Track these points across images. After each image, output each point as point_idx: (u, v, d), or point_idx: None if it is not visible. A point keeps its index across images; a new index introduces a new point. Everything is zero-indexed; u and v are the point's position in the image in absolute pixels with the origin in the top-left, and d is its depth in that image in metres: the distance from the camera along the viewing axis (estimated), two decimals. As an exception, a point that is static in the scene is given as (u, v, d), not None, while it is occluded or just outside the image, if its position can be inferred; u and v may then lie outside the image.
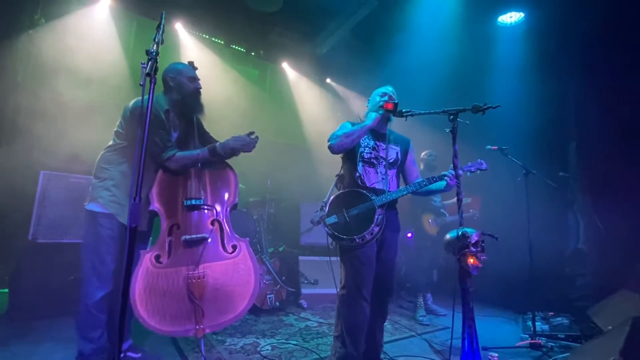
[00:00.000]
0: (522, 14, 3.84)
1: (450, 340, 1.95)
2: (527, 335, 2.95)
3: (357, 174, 2.11)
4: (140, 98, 1.96)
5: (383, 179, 2.14)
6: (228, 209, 2.18)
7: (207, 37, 5.01)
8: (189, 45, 4.78)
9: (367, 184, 2.11)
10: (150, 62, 1.13)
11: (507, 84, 4.10)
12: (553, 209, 3.86)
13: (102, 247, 1.93)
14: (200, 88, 2.20)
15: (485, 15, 3.94)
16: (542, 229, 3.28)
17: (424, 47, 4.38)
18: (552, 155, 3.99)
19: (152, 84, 1.13)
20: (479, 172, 2.22)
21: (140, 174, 1.11)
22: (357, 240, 1.95)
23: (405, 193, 2.12)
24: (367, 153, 2.15)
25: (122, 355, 2.00)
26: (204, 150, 2.04)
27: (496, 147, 2.99)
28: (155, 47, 1.18)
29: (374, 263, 2.02)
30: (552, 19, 3.59)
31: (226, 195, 2.19)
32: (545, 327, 3.13)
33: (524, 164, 3.04)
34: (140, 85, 1.10)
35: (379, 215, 2.01)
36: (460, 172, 1.78)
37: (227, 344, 2.59)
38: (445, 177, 2.06)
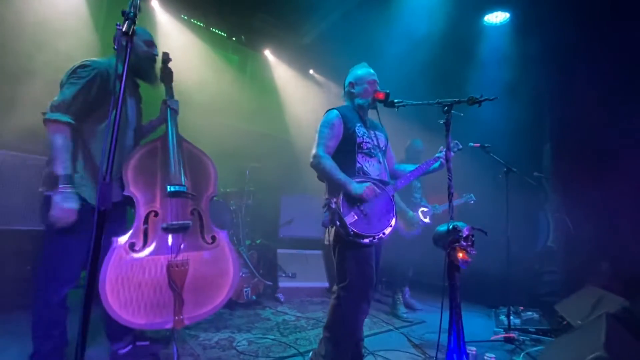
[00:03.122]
0: (507, 15, 3.90)
1: (436, 335, 1.92)
2: (501, 329, 3.02)
3: (358, 166, 1.97)
4: (88, 59, 1.80)
5: (385, 169, 2.06)
6: (207, 199, 2.09)
7: (185, 18, 4.76)
8: (166, 26, 4.51)
9: (372, 176, 1.98)
10: (127, 22, 0.98)
11: (488, 83, 4.16)
12: (528, 207, 3.98)
13: (69, 233, 1.71)
14: (157, 55, 2.07)
15: (471, 14, 3.97)
16: (516, 226, 3.37)
17: (409, 42, 4.36)
18: (527, 155, 4.11)
19: (129, 48, 0.98)
20: (457, 151, 2.19)
21: (112, 151, 0.98)
22: (381, 235, 1.84)
23: (412, 179, 2.07)
24: (365, 143, 2.01)
25: (131, 347, 2.04)
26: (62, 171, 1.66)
27: (478, 145, 3.01)
28: (133, 10, 1.03)
29: (374, 261, 1.93)
30: (535, 21, 3.66)
31: (206, 185, 2.10)
32: (517, 321, 3.23)
33: (505, 162, 3.09)
34: (114, 49, 0.96)
35: (395, 205, 1.95)
36: (451, 154, 1.73)
37: (200, 339, 2.47)
38: (440, 158, 2.07)
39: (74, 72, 1.75)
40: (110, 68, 1.83)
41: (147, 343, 2.11)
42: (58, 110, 1.66)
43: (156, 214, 1.86)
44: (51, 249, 1.75)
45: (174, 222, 1.84)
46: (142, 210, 1.84)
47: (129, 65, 1.85)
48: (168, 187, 1.87)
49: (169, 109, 2.07)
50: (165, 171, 1.92)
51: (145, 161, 1.91)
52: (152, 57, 2.05)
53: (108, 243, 1.70)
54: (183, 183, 1.91)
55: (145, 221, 1.83)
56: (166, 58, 2.16)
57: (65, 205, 1.60)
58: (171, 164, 1.92)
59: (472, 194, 3.91)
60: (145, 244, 1.80)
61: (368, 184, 1.86)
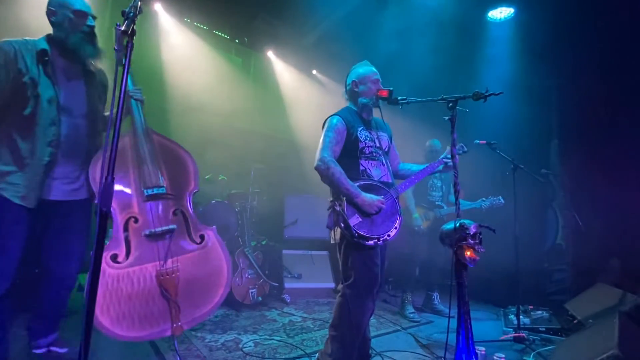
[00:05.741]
0: (511, 10, 3.85)
1: (444, 335, 1.90)
2: (511, 329, 2.97)
3: (362, 169, 1.98)
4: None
5: (388, 171, 2.05)
6: (190, 196, 1.96)
7: (188, 21, 4.78)
8: (169, 29, 4.54)
9: (376, 178, 1.98)
10: (127, 22, 0.97)
11: (493, 79, 4.12)
12: (536, 205, 3.93)
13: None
14: (92, 26, 1.73)
15: (475, 9, 3.92)
16: (524, 224, 3.32)
17: (412, 40, 4.33)
18: (534, 152, 4.06)
19: (130, 49, 0.97)
20: (463, 153, 2.22)
21: (114, 151, 0.98)
22: (386, 237, 1.84)
23: (416, 182, 2.06)
24: (368, 147, 2.00)
25: (45, 350, 1.79)
26: None
27: (485, 142, 2.98)
28: (133, 10, 1.02)
29: (380, 259, 1.92)
30: (540, 16, 3.61)
31: (186, 181, 1.96)
32: (527, 320, 3.17)
33: (512, 158, 3.04)
34: (114, 49, 0.95)
35: (399, 206, 1.96)
36: (456, 150, 1.70)
37: (207, 340, 2.46)
38: (446, 161, 2.06)
39: None
40: (22, 46, 1.60)
41: (65, 350, 1.86)
42: None
43: (136, 220, 1.74)
44: None
45: (157, 229, 1.73)
46: (119, 218, 1.71)
47: (57, 41, 1.66)
48: (145, 190, 1.75)
49: (132, 100, 1.85)
50: (140, 171, 1.77)
51: (117, 161, 1.81)
52: (82, 30, 1.70)
53: (81, 257, 1.62)
54: (161, 184, 1.78)
55: (125, 229, 1.71)
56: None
57: None
58: (146, 162, 1.77)
59: (500, 197, 3.56)
60: (128, 254, 1.69)
61: (375, 198, 1.85)
